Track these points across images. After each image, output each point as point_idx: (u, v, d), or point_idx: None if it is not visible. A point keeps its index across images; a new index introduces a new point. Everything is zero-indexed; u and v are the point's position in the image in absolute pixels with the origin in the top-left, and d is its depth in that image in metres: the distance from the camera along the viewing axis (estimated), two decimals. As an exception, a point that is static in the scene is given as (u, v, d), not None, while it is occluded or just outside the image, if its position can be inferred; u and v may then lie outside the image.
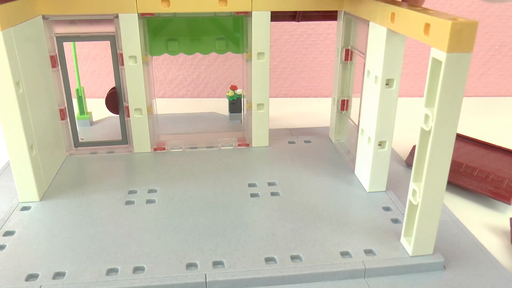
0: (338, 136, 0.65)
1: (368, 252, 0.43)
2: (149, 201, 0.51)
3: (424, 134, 0.39)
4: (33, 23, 0.52)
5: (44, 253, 0.43)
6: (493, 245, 0.48)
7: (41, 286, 0.39)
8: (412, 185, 0.41)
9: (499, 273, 0.42)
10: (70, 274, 0.40)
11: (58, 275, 0.40)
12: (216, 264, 0.41)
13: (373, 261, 0.42)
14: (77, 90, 0.72)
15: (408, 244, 0.43)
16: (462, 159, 0.58)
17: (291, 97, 0.98)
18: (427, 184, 0.39)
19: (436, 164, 0.39)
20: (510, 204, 0.53)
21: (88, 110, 0.74)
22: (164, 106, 0.87)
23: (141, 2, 0.54)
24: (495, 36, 0.94)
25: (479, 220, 0.52)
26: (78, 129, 0.71)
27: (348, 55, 0.59)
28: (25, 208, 0.50)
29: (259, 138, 0.63)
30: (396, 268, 0.42)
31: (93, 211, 0.49)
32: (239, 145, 0.64)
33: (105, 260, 0.42)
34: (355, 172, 0.57)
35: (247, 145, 0.64)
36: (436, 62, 0.36)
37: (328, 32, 0.93)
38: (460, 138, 0.63)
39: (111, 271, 0.41)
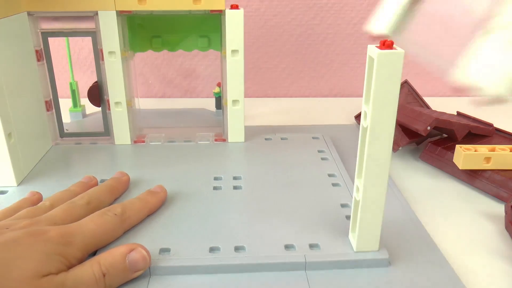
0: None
1: (314, 246, 0.44)
2: (115, 190, 0.53)
3: (363, 131, 0.39)
4: (17, 18, 0.56)
5: None
6: (487, 231, 0.48)
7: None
8: (356, 182, 0.42)
9: (443, 272, 0.42)
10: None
11: None
12: (163, 251, 0.43)
13: (315, 255, 0.43)
14: (70, 84, 0.75)
15: (353, 240, 0.43)
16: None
17: (291, 97, 0.99)
18: (366, 182, 0.40)
19: (374, 161, 0.39)
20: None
21: (82, 104, 0.77)
22: (163, 105, 0.89)
23: (119, 0, 0.57)
24: (495, 37, 0.93)
25: (472, 205, 0.53)
26: (70, 121, 0.75)
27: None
28: (1, 192, 0.53)
29: (235, 133, 0.65)
30: (338, 263, 0.42)
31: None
32: (215, 140, 0.65)
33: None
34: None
35: (224, 140, 0.65)
36: (371, 60, 0.37)
37: (327, 32, 0.93)
38: None
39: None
